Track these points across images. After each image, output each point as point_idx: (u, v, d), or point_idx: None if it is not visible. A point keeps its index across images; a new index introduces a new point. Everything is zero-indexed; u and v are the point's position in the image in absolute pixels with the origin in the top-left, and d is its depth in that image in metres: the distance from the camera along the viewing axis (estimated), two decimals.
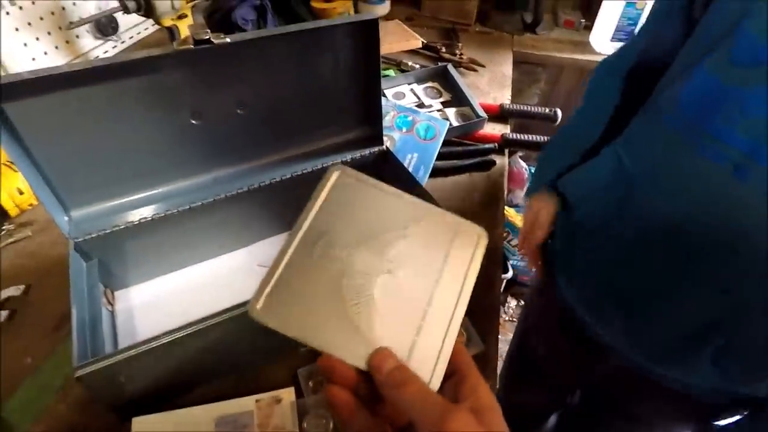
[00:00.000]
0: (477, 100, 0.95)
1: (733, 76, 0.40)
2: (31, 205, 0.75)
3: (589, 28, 1.36)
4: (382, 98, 0.86)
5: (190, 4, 0.85)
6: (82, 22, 0.93)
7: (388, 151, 0.71)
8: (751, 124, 0.38)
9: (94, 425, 0.52)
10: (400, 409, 0.26)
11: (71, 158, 0.55)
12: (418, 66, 1.11)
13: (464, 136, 0.92)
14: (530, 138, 0.90)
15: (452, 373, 0.28)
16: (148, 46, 1.22)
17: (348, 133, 0.71)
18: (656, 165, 0.47)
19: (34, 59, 0.96)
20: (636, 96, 0.53)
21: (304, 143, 0.69)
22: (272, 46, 0.58)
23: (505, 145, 0.91)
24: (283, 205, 0.70)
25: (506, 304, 1.85)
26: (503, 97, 1.08)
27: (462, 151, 0.89)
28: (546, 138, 0.91)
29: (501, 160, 0.89)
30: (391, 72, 1.10)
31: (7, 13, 0.88)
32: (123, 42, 1.17)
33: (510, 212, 1.67)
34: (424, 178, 0.81)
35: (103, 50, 1.12)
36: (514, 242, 1.69)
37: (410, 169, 0.80)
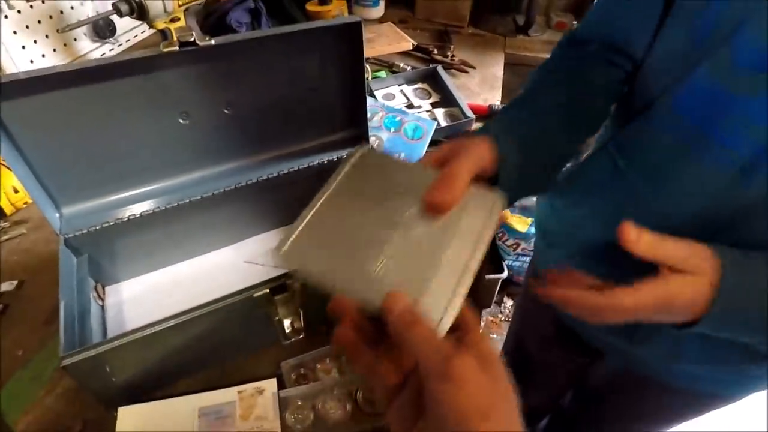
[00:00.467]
0: (466, 101, 0.97)
1: (737, 82, 0.38)
2: (26, 203, 0.77)
3: None
4: (371, 99, 0.88)
5: (183, 7, 0.87)
6: (77, 24, 0.95)
7: None
8: (755, 131, 0.38)
9: (81, 415, 0.53)
10: (407, 350, 0.27)
11: (62, 156, 0.57)
12: (409, 67, 1.13)
13: (452, 136, 0.94)
14: None
15: (456, 328, 0.29)
16: (145, 48, 1.24)
17: (334, 133, 0.72)
18: (655, 170, 0.46)
19: (32, 61, 0.98)
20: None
21: (290, 143, 0.70)
22: (258, 48, 0.60)
23: None
24: (270, 204, 0.72)
25: (502, 304, 1.86)
26: (493, 98, 1.10)
27: None
28: None
29: None
30: (382, 73, 1.11)
31: (6, 17, 0.90)
32: (120, 45, 1.19)
33: (506, 213, 1.68)
34: None
35: (101, 53, 1.14)
36: (509, 242, 1.71)
37: None
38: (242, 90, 0.63)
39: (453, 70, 1.16)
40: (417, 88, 1.03)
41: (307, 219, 0.32)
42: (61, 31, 0.97)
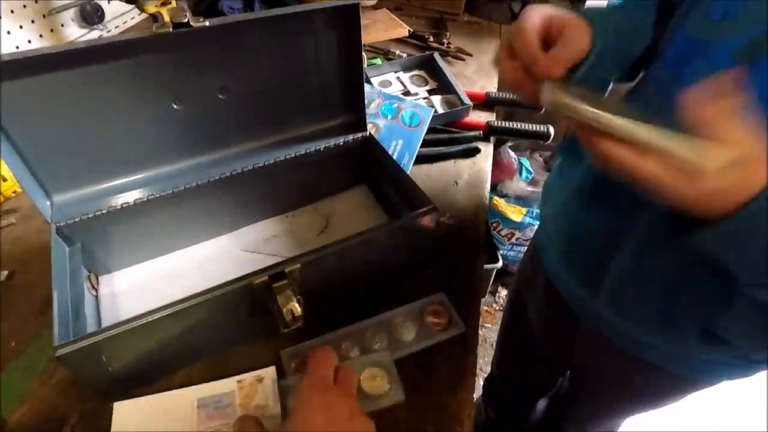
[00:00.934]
0: (463, 88, 0.96)
1: (707, 31, 0.43)
2: (15, 192, 0.75)
3: None
4: (368, 86, 0.87)
5: None
6: (63, 7, 0.93)
7: (371, 138, 0.71)
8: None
9: (76, 407, 0.52)
10: None
11: (52, 143, 0.55)
12: (405, 55, 1.11)
13: (449, 123, 0.93)
14: (516, 126, 0.91)
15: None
16: None
17: (331, 119, 0.71)
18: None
19: (17, 47, 0.95)
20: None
21: (286, 129, 0.69)
22: (253, 31, 0.59)
23: (490, 132, 0.91)
24: (266, 191, 0.71)
25: (497, 294, 1.87)
26: (490, 85, 1.09)
27: (447, 138, 0.89)
28: (531, 126, 0.91)
29: (486, 148, 0.90)
30: (378, 60, 1.10)
31: None
32: (109, 31, 1.16)
33: (500, 202, 1.68)
34: (408, 165, 0.81)
35: (89, 39, 1.11)
36: (504, 232, 1.71)
37: (395, 156, 0.80)
38: (237, 75, 0.62)
39: (449, 58, 1.15)
40: (413, 75, 1.02)
41: None
42: (48, 15, 0.94)
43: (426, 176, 0.83)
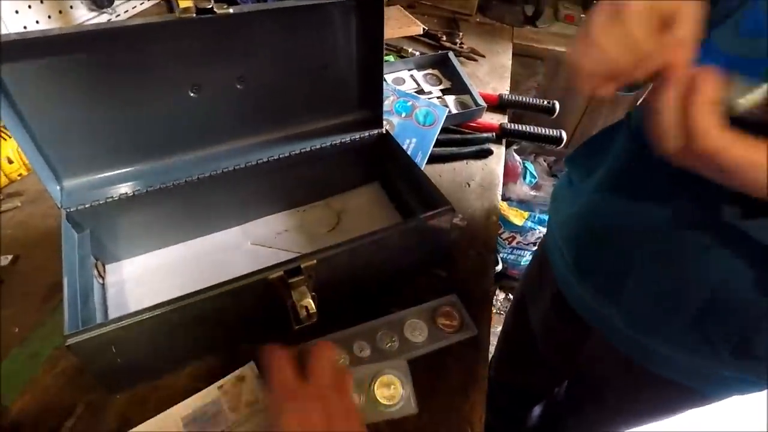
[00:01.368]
0: (477, 89, 0.95)
1: (735, 45, 0.42)
2: (20, 175, 0.74)
3: None
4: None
5: None
6: None
7: (387, 134, 0.70)
8: None
9: (81, 398, 0.51)
10: None
11: (66, 127, 0.54)
12: (417, 53, 1.10)
13: (462, 124, 0.92)
14: (529, 129, 0.90)
15: None
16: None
17: (347, 114, 0.70)
18: None
19: (25, 27, 0.93)
20: None
21: (302, 122, 0.68)
22: (275, 21, 0.57)
23: (503, 135, 0.91)
24: (279, 185, 0.70)
25: (494, 297, 1.87)
26: (502, 87, 1.08)
27: (460, 138, 0.89)
28: (544, 129, 0.91)
29: (498, 150, 0.89)
30: (390, 58, 1.09)
31: None
32: (118, 15, 1.14)
33: (503, 206, 1.68)
34: (421, 164, 0.81)
35: (98, 22, 1.09)
36: (505, 235, 1.71)
37: None
38: (255, 65, 0.60)
39: (461, 58, 1.14)
40: (427, 74, 1.01)
41: None
42: None
43: (438, 176, 0.83)
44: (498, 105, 0.98)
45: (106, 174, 0.59)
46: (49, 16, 0.98)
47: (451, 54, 1.02)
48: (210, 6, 0.49)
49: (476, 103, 0.92)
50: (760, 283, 0.44)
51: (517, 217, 1.68)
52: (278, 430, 0.35)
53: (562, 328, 0.78)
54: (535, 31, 1.37)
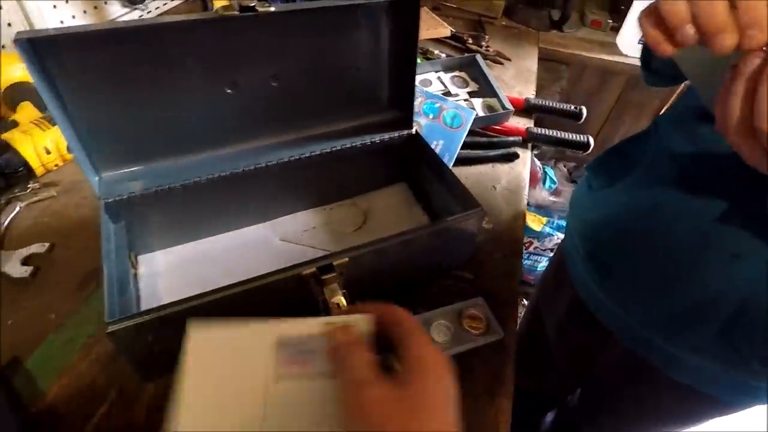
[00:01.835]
0: (504, 92, 0.95)
1: None
2: (56, 165, 0.75)
3: (616, 29, 1.35)
4: None
5: None
6: None
7: (417, 135, 0.71)
8: None
9: (115, 384, 0.52)
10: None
11: (105, 120, 0.55)
12: (444, 55, 1.11)
13: (488, 127, 0.92)
14: (555, 134, 0.90)
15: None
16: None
17: (378, 114, 0.70)
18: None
19: (62, 22, 0.96)
20: None
21: (333, 121, 0.69)
22: (311, 20, 0.58)
23: (530, 139, 0.90)
24: (308, 182, 0.71)
25: None
26: (528, 91, 1.08)
27: (486, 141, 0.88)
28: (571, 135, 0.90)
29: (524, 154, 0.89)
30: (417, 59, 1.09)
31: None
32: (149, 12, 1.16)
33: None
34: (449, 166, 0.80)
35: (130, 18, 1.11)
36: (523, 240, 1.69)
37: None
38: (290, 63, 0.61)
39: (487, 61, 1.14)
40: (454, 76, 1.01)
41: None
42: None
43: (464, 179, 0.82)
44: (524, 109, 0.98)
45: (141, 167, 0.60)
46: (85, 11, 1.00)
47: (478, 56, 1.02)
48: (252, 4, 0.50)
49: (503, 107, 0.92)
50: None
51: (535, 222, 1.67)
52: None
53: (577, 333, 0.77)
54: (561, 36, 1.36)
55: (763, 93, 0.29)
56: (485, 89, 0.97)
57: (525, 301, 1.84)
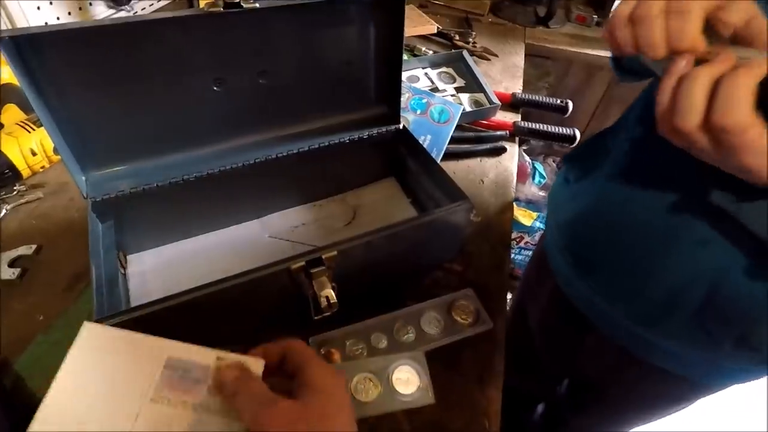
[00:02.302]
0: (491, 88, 0.96)
1: None
2: (42, 167, 0.75)
3: (600, 24, 1.37)
4: None
5: None
6: None
7: (405, 130, 0.71)
8: None
9: None
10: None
11: (91, 119, 0.55)
12: (431, 52, 1.11)
13: (475, 122, 0.93)
14: (542, 127, 0.91)
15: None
16: None
17: (366, 110, 0.71)
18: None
19: (46, 23, 0.95)
20: None
21: (321, 117, 0.69)
22: (298, 16, 0.58)
23: (517, 133, 0.91)
24: (297, 179, 0.71)
25: None
26: (515, 86, 1.09)
27: (473, 136, 0.89)
28: (557, 128, 0.91)
29: (511, 148, 0.90)
30: (404, 56, 1.10)
31: None
32: (135, 12, 1.15)
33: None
34: (437, 161, 0.81)
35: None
36: (513, 235, 1.71)
37: None
38: (277, 59, 0.61)
39: (474, 57, 1.15)
40: (441, 72, 1.01)
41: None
42: None
43: (452, 173, 0.83)
44: (511, 104, 0.99)
45: (129, 166, 0.60)
46: (69, 13, 0.99)
47: (465, 53, 1.03)
48: (237, 1, 0.50)
49: (490, 102, 0.93)
50: (758, 275, 0.45)
51: (525, 217, 1.68)
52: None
53: (560, 326, 0.78)
54: (547, 32, 1.37)
55: (682, 93, 0.32)
56: (472, 85, 0.98)
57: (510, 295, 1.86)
